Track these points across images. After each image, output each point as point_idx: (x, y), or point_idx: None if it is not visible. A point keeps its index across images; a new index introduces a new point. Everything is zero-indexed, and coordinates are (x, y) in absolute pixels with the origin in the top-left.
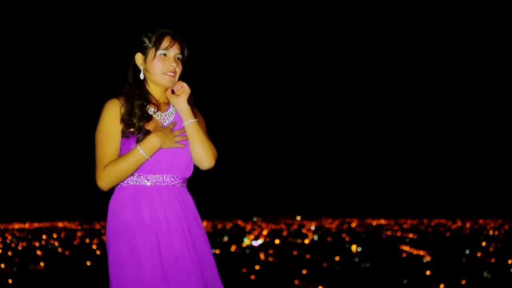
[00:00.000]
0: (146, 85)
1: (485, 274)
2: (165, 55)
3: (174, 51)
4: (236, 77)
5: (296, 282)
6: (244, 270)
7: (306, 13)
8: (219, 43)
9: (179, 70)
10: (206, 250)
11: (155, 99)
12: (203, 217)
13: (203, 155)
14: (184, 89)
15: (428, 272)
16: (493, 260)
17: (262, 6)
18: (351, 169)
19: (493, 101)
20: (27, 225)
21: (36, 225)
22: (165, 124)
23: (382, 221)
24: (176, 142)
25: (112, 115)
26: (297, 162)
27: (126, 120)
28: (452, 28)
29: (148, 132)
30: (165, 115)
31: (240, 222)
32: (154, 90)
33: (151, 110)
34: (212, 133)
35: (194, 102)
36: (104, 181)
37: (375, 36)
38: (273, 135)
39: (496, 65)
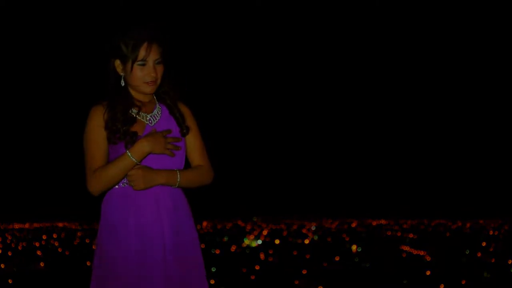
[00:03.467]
0: (128, 88)
1: (485, 274)
2: (143, 64)
3: (152, 57)
4: (234, 76)
5: (296, 282)
6: (244, 270)
7: (305, 11)
8: (218, 40)
9: (159, 72)
10: (193, 252)
11: (138, 100)
12: (203, 217)
13: (202, 185)
14: (132, 179)
15: (428, 272)
16: (493, 260)
17: (259, 4)
18: (351, 169)
19: (493, 101)
20: (27, 225)
21: (36, 225)
22: (152, 125)
23: (382, 221)
24: (167, 149)
25: (96, 122)
26: (297, 162)
27: (111, 127)
28: (452, 28)
29: (135, 134)
30: (151, 116)
31: (240, 222)
32: (137, 92)
33: (134, 112)
34: (212, 133)
35: (180, 96)
36: (94, 186)
37: (374, 35)
38: (272, 135)
39: (496, 65)
